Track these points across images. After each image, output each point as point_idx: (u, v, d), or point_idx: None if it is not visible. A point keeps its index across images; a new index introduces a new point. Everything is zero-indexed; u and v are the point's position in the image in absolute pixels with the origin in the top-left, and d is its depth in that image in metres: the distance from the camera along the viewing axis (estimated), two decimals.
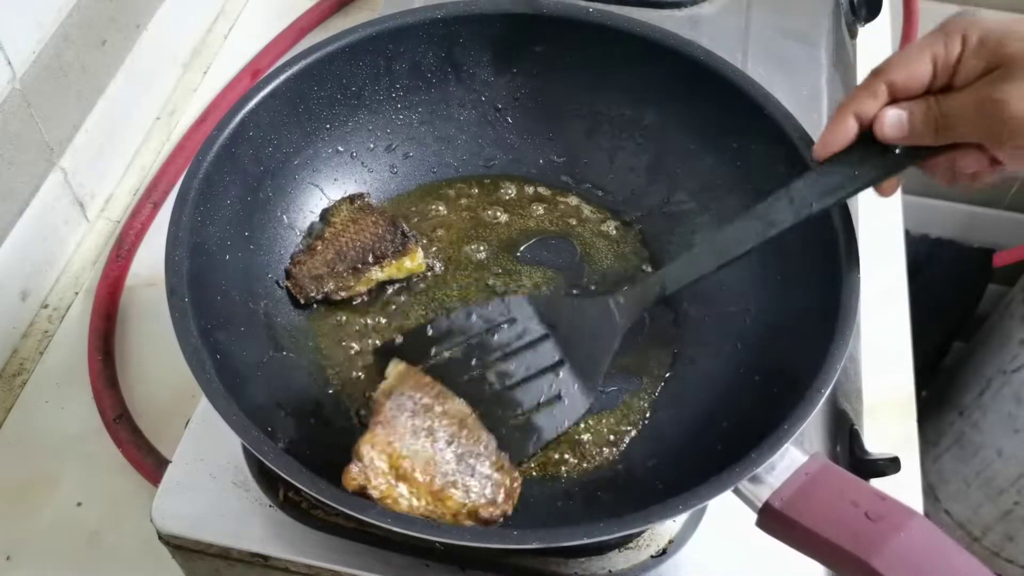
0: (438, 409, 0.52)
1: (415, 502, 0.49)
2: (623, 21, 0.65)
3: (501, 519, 0.50)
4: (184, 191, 0.57)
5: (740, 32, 0.81)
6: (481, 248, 0.68)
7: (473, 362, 0.56)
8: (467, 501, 0.50)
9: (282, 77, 0.62)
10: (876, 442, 0.63)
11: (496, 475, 0.51)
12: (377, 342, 0.62)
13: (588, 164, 0.70)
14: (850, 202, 0.58)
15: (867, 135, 0.53)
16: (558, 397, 0.56)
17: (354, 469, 0.48)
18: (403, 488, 0.49)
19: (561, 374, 0.56)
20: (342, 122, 0.67)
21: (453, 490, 0.50)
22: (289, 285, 0.63)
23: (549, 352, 0.57)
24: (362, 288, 0.64)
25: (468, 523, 0.50)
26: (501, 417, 0.55)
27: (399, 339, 0.57)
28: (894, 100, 0.51)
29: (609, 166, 0.70)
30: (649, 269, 0.67)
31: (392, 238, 0.64)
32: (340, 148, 0.68)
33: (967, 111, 0.49)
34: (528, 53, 0.68)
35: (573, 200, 0.70)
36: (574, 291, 0.65)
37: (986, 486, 1.36)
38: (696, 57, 0.64)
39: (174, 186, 0.87)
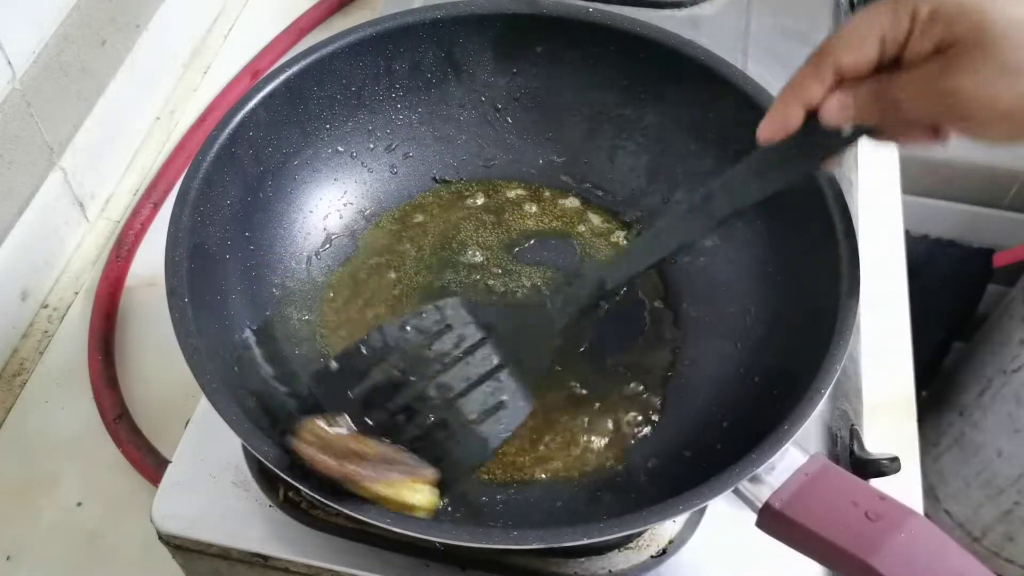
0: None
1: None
2: (623, 21, 0.65)
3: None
4: (184, 191, 0.57)
5: (740, 32, 0.81)
6: (480, 248, 0.68)
7: (412, 378, 0.52)
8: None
9: (282, 77, 0.62)
10: (876, 442, 0.62)
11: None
12: None
13: (588, 164, 0.70)
14: (850, 202, 0.58)
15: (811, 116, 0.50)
16: (500, 404, 0.53)
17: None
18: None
19: (502, 379, 0.53)
20: (342, 122, 0.67)
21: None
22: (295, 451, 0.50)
23: (488, 357, 0.54)
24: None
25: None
26: (448, 431, 0.51)
27: (333, 364, 0.53)
28: (840, 81, 0.48)
29: (609, 166, 0.70)
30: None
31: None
32: (340, 148, 0.68)
33: (916, 96, 0.46)
34: (528, 53, 0.68)
35: (573, 200, 0.70)
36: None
37: (986, 486, 1.36)
38: (696, 57, 0.64)
39: (174, 186, 0.87)
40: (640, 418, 0.60)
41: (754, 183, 0.53)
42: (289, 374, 0.60)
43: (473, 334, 0.54)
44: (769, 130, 0.51)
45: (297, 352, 0.62)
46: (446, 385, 0.53)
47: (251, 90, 0.61)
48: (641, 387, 0.61)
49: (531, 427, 0.60)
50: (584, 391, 0.61)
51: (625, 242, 0.68)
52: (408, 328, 0.54)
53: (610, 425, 0.60)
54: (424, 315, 0.54)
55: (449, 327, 0.54)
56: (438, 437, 0.51)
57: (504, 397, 0.53)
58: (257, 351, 0.59)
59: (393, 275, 0.66)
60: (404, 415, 0.52)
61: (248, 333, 0.59)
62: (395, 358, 0.53)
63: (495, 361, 0.54)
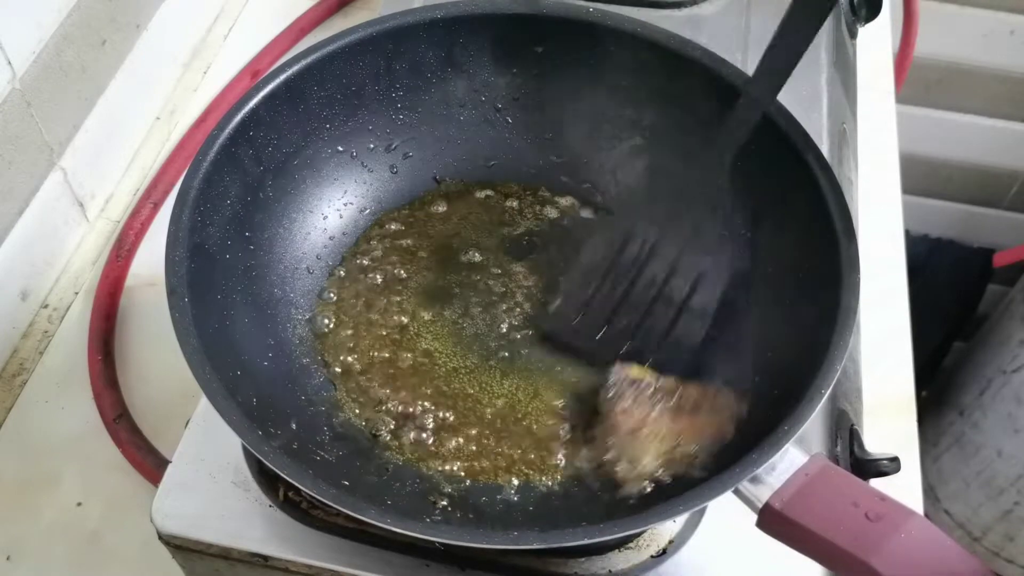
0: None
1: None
2: (623, 21, 0.65)
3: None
4: (184, 191, 0.57)
5: (740, 32, 0.81)
6: (480, 249, 0.68)
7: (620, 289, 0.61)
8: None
9: (282, 77, 0.62)
10: (876, 442, 0.62)
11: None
12: (381, 354, 0.62)
13: (588, 164, 0.70)
14: (850, 202, 0.58)
15: None
16: (701, 275, 0.59)
17: None
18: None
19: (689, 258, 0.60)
20: (342, 122, 0.67)
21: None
22: None
23: (670, 244, 0.60)
24: None
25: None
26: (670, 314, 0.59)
27: (555, 305, 0.62)
28: None
29: (609, 166, 0.70)
30: None
31: None
32: (340, 148, 0.68)
33: None
34: (528, 53, 0.68)
35: (573, 200, 0.70)
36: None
37: (986, 486, 1.36)
38: (696, 57, 0.64)
39: (174, 186, 0.87)
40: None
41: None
42: (289, 375, 0.60)
43: (649, 232, 0.61)
44: None
45: (297, 352, 0.62)
46: (650, 281, 0.60)
47: (251, 90, 0.61)
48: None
49: (531, 427, 0.60)
50: (585, 390, 0.61)
51: None
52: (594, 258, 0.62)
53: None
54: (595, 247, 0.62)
55: (624, 242, 0.61)
56: (662, 325, 0.59)
57: (702, 268, 0.60)
58: (257, 352, 0.59)
59: (393, 275, 0.66)
60: (627, 321, 0.60)
61: (248, 333, 0.59)
62: (599, 284, 0.62)
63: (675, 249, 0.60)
